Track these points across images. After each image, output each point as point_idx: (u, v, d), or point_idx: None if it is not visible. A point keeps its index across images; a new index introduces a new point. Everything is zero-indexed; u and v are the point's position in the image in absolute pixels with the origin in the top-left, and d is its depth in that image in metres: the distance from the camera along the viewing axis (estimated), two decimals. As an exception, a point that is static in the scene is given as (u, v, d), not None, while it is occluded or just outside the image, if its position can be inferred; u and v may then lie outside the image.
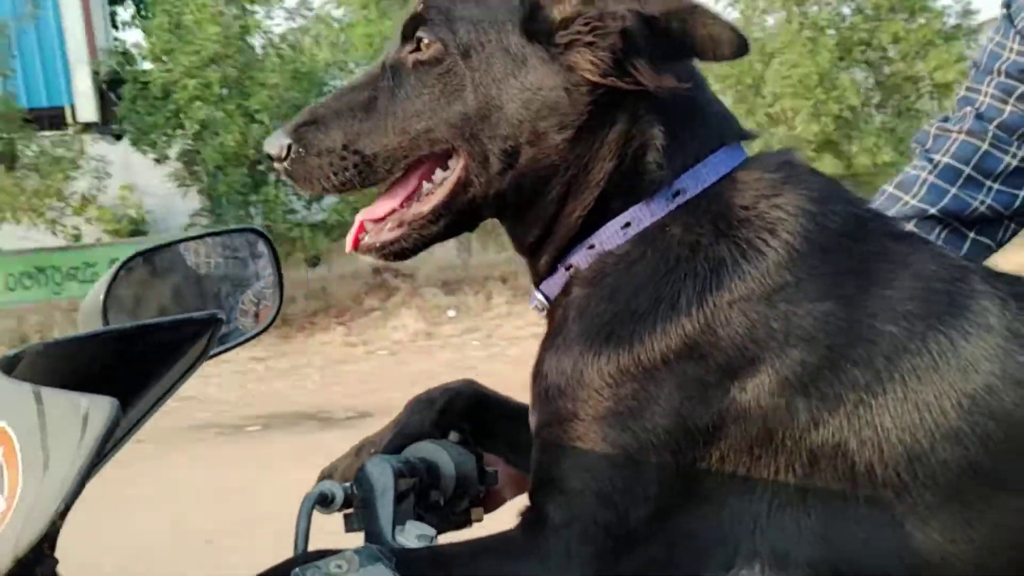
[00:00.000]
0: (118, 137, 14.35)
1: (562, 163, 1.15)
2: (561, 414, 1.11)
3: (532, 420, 1.17)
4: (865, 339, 1.08)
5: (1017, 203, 1.66)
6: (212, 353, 1.10)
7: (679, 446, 1.07)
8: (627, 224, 1.16)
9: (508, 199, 1.18)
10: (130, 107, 13.21)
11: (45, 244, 13.19)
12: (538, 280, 1.23)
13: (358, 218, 1.22)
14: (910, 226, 1.59)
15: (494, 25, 1.15)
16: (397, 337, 11.99)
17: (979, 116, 1.68)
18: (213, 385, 9.59)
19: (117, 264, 1.26)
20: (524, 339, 10.24)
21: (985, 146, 1.65)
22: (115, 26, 19.60)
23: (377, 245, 1.21)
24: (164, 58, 13.14)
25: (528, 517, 1.11)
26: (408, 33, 1.19)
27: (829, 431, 1.07)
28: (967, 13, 13.89)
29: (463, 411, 1.33)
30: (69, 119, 14.99)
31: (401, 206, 1.20)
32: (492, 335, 11.76)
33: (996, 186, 1.65)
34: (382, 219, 1.21)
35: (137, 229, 14.37)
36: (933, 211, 1.64)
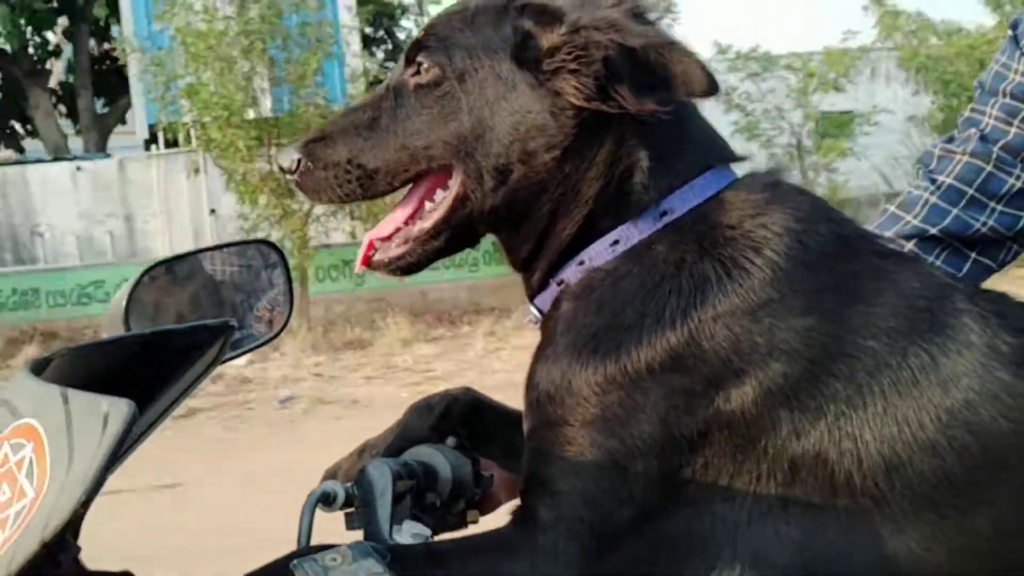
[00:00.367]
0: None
1: (551, 181, 1.21)
2: (551, 420, 1.15)
3: (525, 426, 1.22)
4: (847, 354, 1.12)
5: (1020, 224, 1.64)
6: (225, 358, 1.18)
7: (664, 452, 1.11)
8: (615, 242, 1.20)
9: (502, 215, 1.24)
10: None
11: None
12: (532, 295, 1.28)
13: (366, 238, 1.29)
14: (910, 246, 1.59)
15: (487, 52, 1.21)
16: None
17: (983, 137, 1.65)
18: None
19: (139, 272, 1.34)
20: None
21: (989, 168, 1.63)
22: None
23: (386, 261, 1.27)
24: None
25: (518, 516, 1.15)
26: (410, 57, 1.26)
27: (810, 441, 1.10)
28: None
29: (461, 417, 1.38)
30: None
31: (406, 224, 1.27)
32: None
33: (999, 207, 1.63)
34: (389, 237, 1.28)
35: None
36: (934, 231, 1.62)
